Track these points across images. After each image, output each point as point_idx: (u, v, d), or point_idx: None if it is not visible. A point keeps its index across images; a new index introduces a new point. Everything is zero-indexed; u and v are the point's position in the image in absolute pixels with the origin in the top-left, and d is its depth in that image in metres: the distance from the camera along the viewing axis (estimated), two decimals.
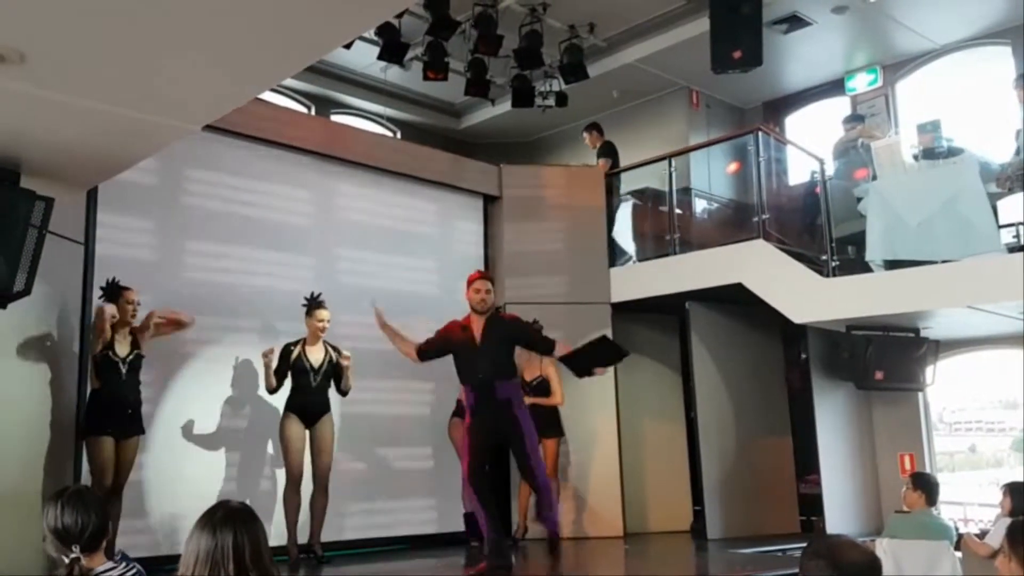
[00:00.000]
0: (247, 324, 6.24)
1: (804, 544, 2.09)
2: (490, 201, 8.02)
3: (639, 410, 7.90)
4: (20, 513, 4.74)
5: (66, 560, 2.47)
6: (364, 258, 7.04)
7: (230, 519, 1.97)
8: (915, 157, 6.65)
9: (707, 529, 7.19)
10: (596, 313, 7.73)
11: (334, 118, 9.47)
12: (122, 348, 5.13)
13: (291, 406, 5.75)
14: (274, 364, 5.65)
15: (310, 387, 5.73)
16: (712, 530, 7.18)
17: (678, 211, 8.05)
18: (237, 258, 6.31)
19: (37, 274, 4.53)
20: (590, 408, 7.47)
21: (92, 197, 5.48)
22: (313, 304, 5.86)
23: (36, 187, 4.52)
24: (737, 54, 7.11)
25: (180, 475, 5.70)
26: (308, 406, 5.73)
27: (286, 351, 5.78)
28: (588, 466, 7.42)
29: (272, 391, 5.73)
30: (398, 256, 7.24)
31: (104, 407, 5.03)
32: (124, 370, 5.11)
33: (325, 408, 5.80)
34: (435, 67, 8.21)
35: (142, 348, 5.22)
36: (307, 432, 5.71)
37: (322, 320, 5.79)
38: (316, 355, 5.81)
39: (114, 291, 5.16)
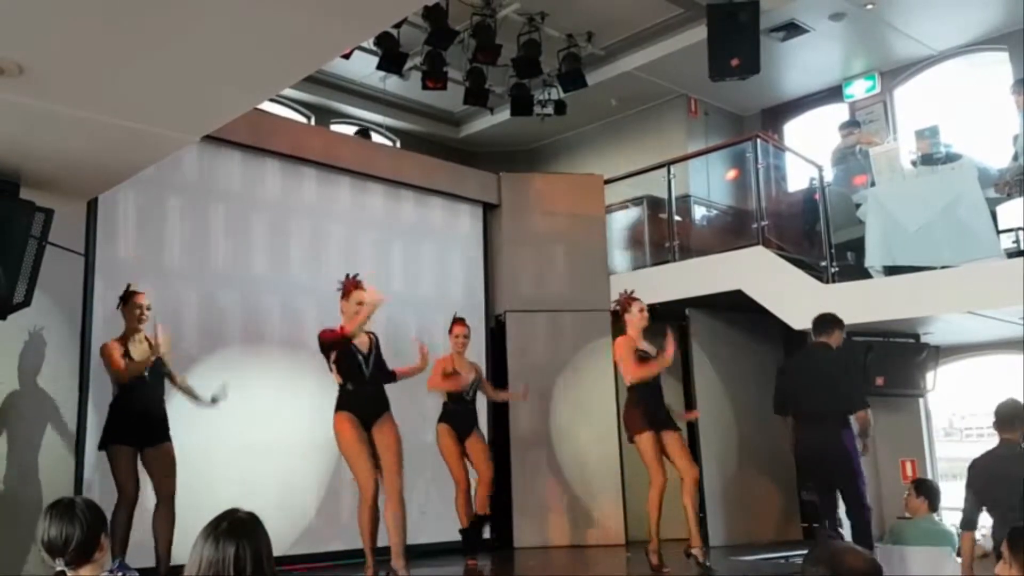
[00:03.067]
0: (248, 335, 6.24)
1: (806, 551, 2.09)
2: (489, 209, 8.03)
3: None
4: (19, 523, 4.73)
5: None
6: (363, 267, 7.02)
7: (234, 530, 1.98)
8: (914, 163, 6.66)
9: (709, 536, 7.15)
10: (596, 320, 7.72)
11: (334, 128, 9.49)
12: (138, 352, 4.98)
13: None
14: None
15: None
16: (714, 537, 7.15)
17: (677, 218, 8.06)
18: (237, 269, 6.32)
19: (37, 285, 4.54)
20: (591, 415, 7.47)
21: (92, 208, 5.49)
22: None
23: (36, 198, 4.54)
24: (735, 62, 7.12)
25: (194, 485, 5.66)
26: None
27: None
28: (590, 473, 7.40)
29: None
30: (397, 265, 7.25)
31: (125, 415, 4.88)
32: (146, 375, 4.95)
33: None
34: (434, 76, 8.23)
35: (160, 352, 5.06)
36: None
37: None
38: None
39: (124, 297, 5.08)
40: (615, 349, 5.94)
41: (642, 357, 5.81)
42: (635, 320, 5.93)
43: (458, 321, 6.29)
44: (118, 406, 4.94)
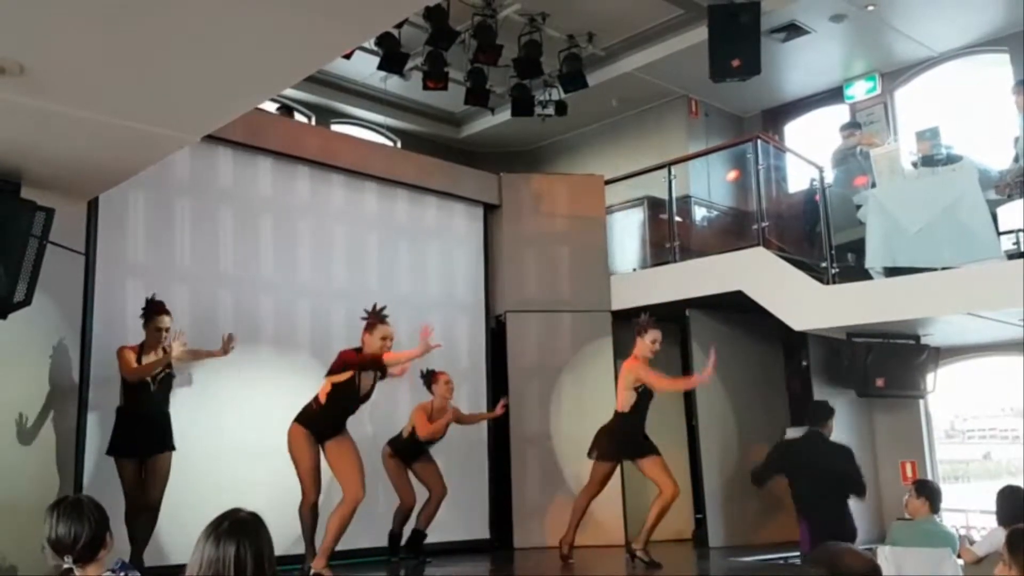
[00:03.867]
0: (251, 336, 6.23)
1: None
2: (490, 210, 8.04)
3: None
4: (19, 522, 4.73)
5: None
6: (364, 267, 7.05)
7: (235, 530, 1.98)
8: (914, 164, 6.65)
9: (709, 537, 7.17)
10: (597, 321, 7.73)
11: (334, 128, 9.49)
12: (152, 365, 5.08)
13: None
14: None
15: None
16: (714, 538, 7.16)
17: (678, 219, 8.06)
18: (238, 269, 6.32)
19: (38, 284, 4.55)
20: (591, 417, 7.44)
21: (93, 207, 5.50)
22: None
23: (37, 198, 4.54)
24: (736, 63, 7.12)
25: (199, 485, 5.66)
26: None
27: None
28: (590, 474, 7.38)
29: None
30: (398, 265, 7.25)
31: (130, 425, 4.99)
32: (153, 388, 5.07)
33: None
34: (435, 77, 8.23)
35: (172, 367, 5.19)
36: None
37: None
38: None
39: (147, 312, 5.13)
40: (631, 371, 6.03)
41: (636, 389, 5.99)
42: (646, 348, 6.03)
43: (440, 372, 6.25)
44: (123, 413, 5.05)
